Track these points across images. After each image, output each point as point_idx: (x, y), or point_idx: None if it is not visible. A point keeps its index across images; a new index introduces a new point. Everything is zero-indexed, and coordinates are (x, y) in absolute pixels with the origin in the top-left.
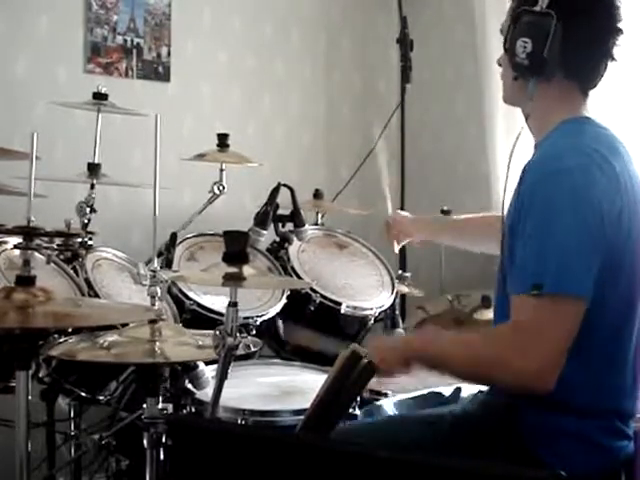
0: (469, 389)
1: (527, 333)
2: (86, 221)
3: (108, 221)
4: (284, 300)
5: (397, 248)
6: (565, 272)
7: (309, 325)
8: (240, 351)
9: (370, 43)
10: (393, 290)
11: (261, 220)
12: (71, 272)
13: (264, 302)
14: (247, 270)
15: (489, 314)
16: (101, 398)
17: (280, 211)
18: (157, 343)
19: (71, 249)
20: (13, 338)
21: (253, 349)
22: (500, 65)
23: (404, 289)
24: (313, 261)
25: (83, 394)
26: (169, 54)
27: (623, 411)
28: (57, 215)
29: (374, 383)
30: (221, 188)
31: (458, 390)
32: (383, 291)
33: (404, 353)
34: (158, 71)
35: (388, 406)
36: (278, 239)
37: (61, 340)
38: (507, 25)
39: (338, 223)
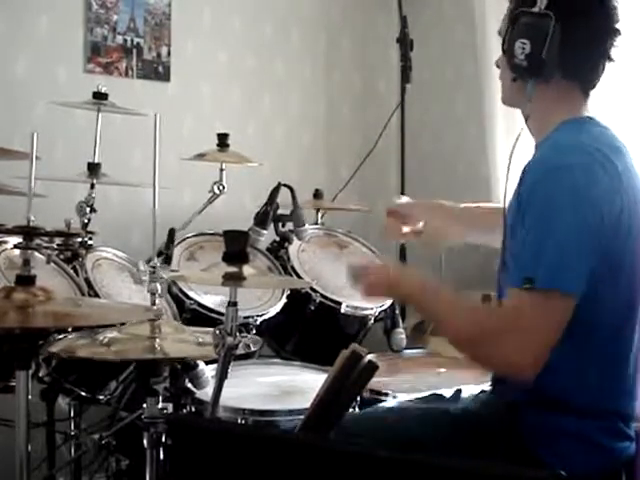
0: (470, 390)
1: (519, 329)
2: (86, 221)
3: (108, 221)
4: (284, 300)
5: (403, 236)
6: (559, 269)
7: (309, 325)
8: (240, 350)
9: (370, 43)
10: None
11: (261, 220)
12: (71, 272)
13: (264, 302)
14: (247, 270)
15: None
16: (101, 398)
17: (280, 211)
18: (157, 340)
19: (71, 249)
20: (13, 338)
21: (253, 348)
22: (498, 67)
23: None
24: (313, 261)
25: (83, 394)
26: (169, 54)
27: (624, 412)
28: (57, 215)
29: (374, 383)
30: (221, 188)
31: (459, 392)
32: None
33: (399, 291)
34: (158, 71)
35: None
36: (278, 239)
37: (60, 337)
38: (505, 26)
39: (338, 223)
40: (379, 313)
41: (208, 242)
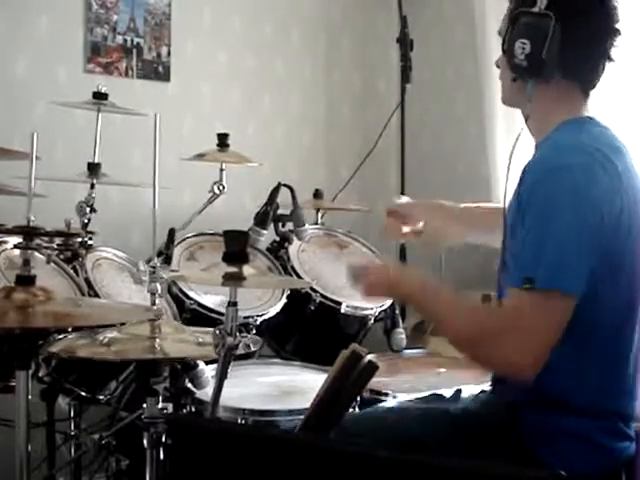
0: (470, 390)
1: (519, 329)
2: (86, 221)
3: (108, 221)
4: (284, 300)
5: (402, 236)
6: (559, 269)
7: (309, 325)
8: (240, 350)
9: (370, 43)
10: None
11: (261, 220)
12: (71, 272)
13: (264, 302)
14: (247, 270)
15: None
16: (101, 398)
17: (280, 211)
18: (157, 340)
19: (71, 249)
20: (13, 338)
21: (253, 348)
22: (498, 67)
23: None
24: (313, 261)
25: (83, 394)
26: (169, 54)
27: (624, 412)
28: (57, 215)
29: (374, 383)
30: (221, 188)
31: (459, 392)
32: None
33: (399, 291)
34: (158, 71)
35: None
36: (278, 239)
37: (60, 337)
38: (505, 26)
39: (338, 223)
40: (379, 313)
41: (208, 242)
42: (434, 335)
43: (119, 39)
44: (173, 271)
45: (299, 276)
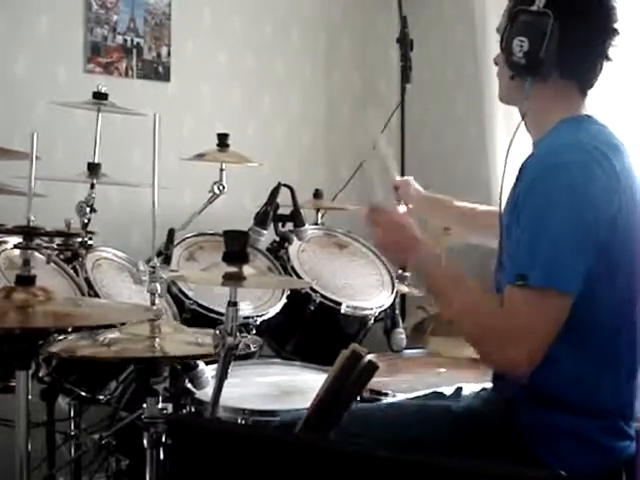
0: (470, 388)
1: (515, 328)
2: (86, 221)
3: (108, 221)
4: (284, 300)
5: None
6: (553, 266)
7: (309, 325)
8: (240, 351)
9: (370, 43)
10: (393, 290)
11: (261, 220)
12: (71, 272)
13: (264, 302)
14: (247, 270)
15: None
16: (101, 398)
17: (280, 211)
18: (157, 340)
19: (71, 249)
20: (13, 338)
21: (253, 349)
22: (496, 64)
23: (404, 289)
24: (313, 261)
25: (83, 394)
26: (169, 54)
27: (624, 411)
28: (57, 215)
29: (374, 383)
30: (221, 188)
31: (459, 390)
32: (383, 291)
33: (421, 265)
34: (158, 71)
35: None
36: (278, 239)
37: (60, 338)
38: (504, 24)
39: (338, 223)
40: (379, 313)
41: (208, 242)
42: (434, 335)
43: (119, 39)
44: (173, 271)
45: (299, 276)
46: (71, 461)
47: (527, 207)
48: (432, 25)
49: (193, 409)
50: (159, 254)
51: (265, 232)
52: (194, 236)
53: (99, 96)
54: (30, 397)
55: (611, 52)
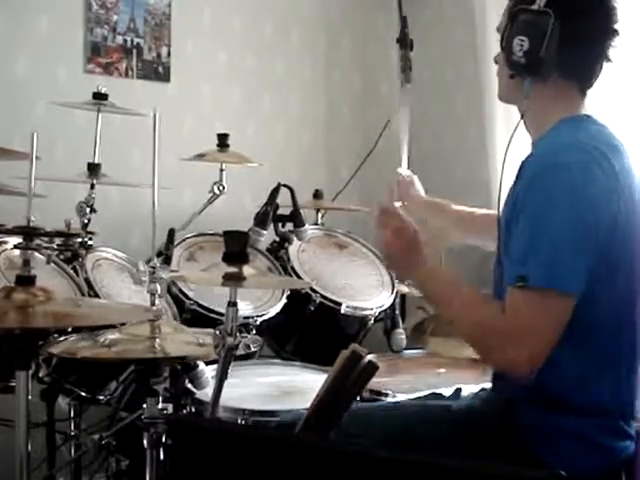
0: (469, 389)
1: (517, 328)
2: (86, 221)
3: (108, 221)
4: (284, 300)
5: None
6: (554, 267)
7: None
8: (240, 351)
9: (370, 43)
10: (393, 290)
11: (261, 220)
12: (71, 272)
13: (264, 302)
14: (247, 270)
15: None
16: (101, 398)
17: (280, 211)
18: (157, 340)
19: (71, 249)
20: (13, 338)
21: (253, 349)
22: (497, 63)
23: (404, 289)
24: (313, 261)
25: (83, 394)
26: (169, 54)
27: (624, 410)
28: (57, 215)
29: (374, 383)
30: (221, 188)
31: (458, 391)
32: (383, 291)
33: (416, 274)
34: (158, 71)
35: None
36: (278, 239)
37: (61, 339)
38: (504, 23)
39: (338, 223)
40: (379, 313)
41: (208, 242)
42: (434, 335)
43: (119, 39)
44: (173, 271)
45: (299, 276)
46: (71, 461)
47: (527, 206)
48: (432, 25)
49: (193, 409)
50: (159, 254)
51: (265, 232)
52: (194, 236)
53: (99, 96)
54: (30, 397)
55: (611, 53)
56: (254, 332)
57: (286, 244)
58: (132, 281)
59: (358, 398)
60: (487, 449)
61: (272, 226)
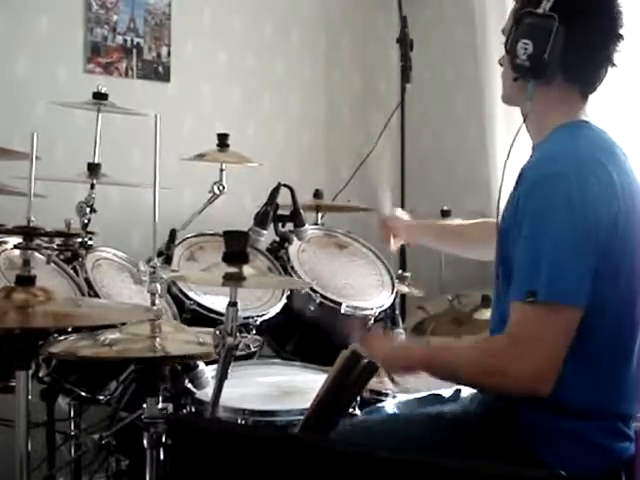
0: (469, 390)
1: (523, 342)
2: (86, 221)
3: (108, 221)
4: (284, 300)
5: (393, 247)
6: (558, 280)
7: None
8: (240, 351)
9: (370, 43)
10: (393, 290)
11: (261, 220)
12: (71, 272)
13: (264, 302)
14: (247, 270)
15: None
16: (101, 398)
17: (280, 211)
18: (157, 339)
19: (71, 249)
20: (13, 338)
21: (253, 349)
22: (501, 65)
23: (404, 289)
24: (313, 261)
25: (83, 394)
26: (169, 54)
27: (623, 412)
28: (57, 215)
29: (374, 383)
30: (221, 188)
31: (458, 392)
32: (383, 291)
33: (408, 362)
34: (158, 71)
35: (389, 407)
36: (278, 239)
37: (61, 338)
38: (509, 25)
39: (338, 223)
40: (379, 313)
41: (208, 242)
42: (434, 335)
43: (119, 39)
44: (173, 271)
45: (299, 276)
46: (71, 461)
47: (527, 216)
48: (432, 25)
49: (193, 409)
50: (159, 254)
51: (265, 232)
52: (194, 236)
53: (99, 96)
54: (30, 397)
55: (616, 57)
56: (254, 332)
57: (286, 244)
58: (132, 281)
59: (358, 398)
60: (487, 449)
61: (272, 226)
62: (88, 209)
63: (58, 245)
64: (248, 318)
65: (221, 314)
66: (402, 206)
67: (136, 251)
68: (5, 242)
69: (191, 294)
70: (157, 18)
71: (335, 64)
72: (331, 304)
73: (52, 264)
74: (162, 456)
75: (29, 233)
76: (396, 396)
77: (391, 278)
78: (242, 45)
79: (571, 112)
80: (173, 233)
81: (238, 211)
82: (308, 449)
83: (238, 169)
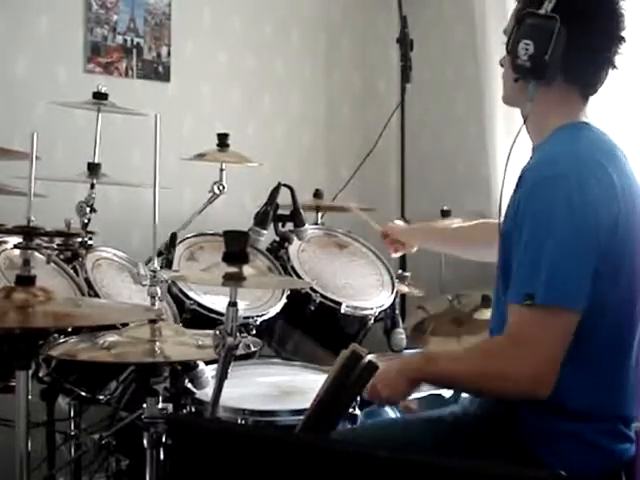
0: None
1: (523, 343)
2: (86, 221)
3: (108, 221)
4: (284, 300)
5: (395, 255)
6: (557, 284)
7: (309, 325)
8: (240, 351)
9: (370, 43)
10: (393, 290)
11: (261, 220)
12: (71, 272)
13: (264, 302)
14: (247, 270)
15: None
16: (101, 398)
17: (280, 211)
18: (157, 343)
19: (71, 249)
20: (13, 338)
21: (253, 349)
22: (502, 66)
23: (404, 289)
24: (313, 261)
25: (83, 394)
26: (169, 54)
27: (624, 414)
28: (57, 215)
29: None
30: (221, 188)
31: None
32: (383, 291)
33: (408, 376)
34: (158, 71)
35: (389, 409)
36: (278, 239)
37: (61, 340)
38: (511, 26)
39: (338, 223)
40: (379, 313)
41: (208, 242)
42: (434, 335)
43: (119, 39)
44: (173, 271)
45: (299, 276)
46: (71, 461)
47: (527, 219)
48: (432, 25)
49: (193, 409)
50: (159, 254)
51: (265, 232)
52: (194, 236)
53: (99, 96)
54: (30, 397)
55: (617, 59)
56: (254, 332)
57: (286, 244)
58: (132, 281)
59: (358, 398)
60: (487, 450)
61: (272, 226)
62: (88, 209)
63: (58, 245)
64: (248, 318)
65: (221, 314)
66: (402, 206)
67: (136, 251)
68: (5, 242)
69: (191, 294)
70: (157, 18)
71: (335, 64)
72: (331, 304)
73: (52, 264)
74: (162, 456)
75: (29, 233)
76: None
77: (391, 278)
78: (242, 45)
79: (571, 113)
80: (174, 237)
81: (238, 211)
82: (308, 449)
83: (238, 169)
